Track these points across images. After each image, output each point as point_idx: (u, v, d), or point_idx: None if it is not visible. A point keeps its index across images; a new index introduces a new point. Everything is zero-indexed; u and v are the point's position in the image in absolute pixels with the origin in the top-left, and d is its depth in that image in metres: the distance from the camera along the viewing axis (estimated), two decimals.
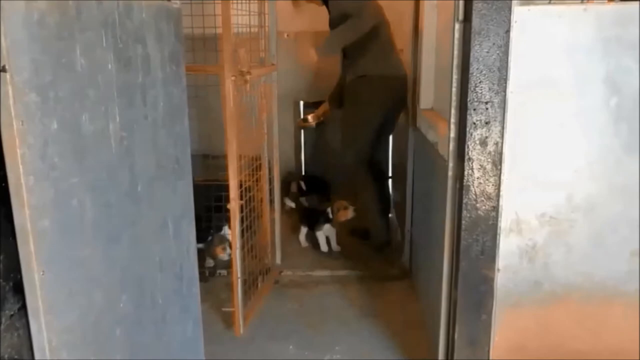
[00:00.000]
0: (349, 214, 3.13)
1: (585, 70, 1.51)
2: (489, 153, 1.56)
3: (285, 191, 3.67)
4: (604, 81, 1.50)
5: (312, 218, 3.29)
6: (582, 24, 1.48)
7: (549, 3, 1.50)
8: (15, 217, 0.91)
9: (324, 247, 3.23)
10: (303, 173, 4.06)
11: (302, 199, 3.69)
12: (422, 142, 2.46)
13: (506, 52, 1.49)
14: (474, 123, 1.54)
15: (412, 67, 2.75)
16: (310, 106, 3.68)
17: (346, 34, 2.76)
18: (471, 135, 1.55)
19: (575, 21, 1.48)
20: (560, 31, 1.49)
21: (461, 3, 1.53)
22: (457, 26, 1.56)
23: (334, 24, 2.85)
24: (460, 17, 1.55)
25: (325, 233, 3.22)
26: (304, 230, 3.36)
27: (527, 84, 1.52)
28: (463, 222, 1.60)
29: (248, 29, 2.53)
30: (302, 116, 3.84)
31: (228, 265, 2.65)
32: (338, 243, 3.25)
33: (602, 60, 1.49)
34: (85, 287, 1.08)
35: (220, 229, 2.86)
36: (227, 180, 2.23)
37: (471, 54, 1.50)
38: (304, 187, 3.80)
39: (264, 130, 2.74)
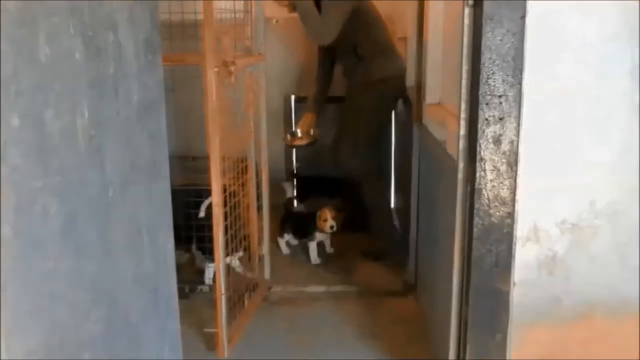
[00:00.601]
0: (327, 225, 3.15)
1: (608, 63, 1.52)
2: (504, 153, 1.57)
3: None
4: (629, 74, 1.52)
5: (302, 225, 3.29)
6: (604, 12, 1.49)
7: None
8: None
9: (315, 260, 3.23)
10: (295, 174, 4.05)
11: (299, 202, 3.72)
12: (429, 140, 2.47)
13: (521, 40, 1.50)
14: (487, 119, 1.55)
15: (416, 57, 2.77)
16: (302, 101, 3.68)
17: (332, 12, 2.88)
18: (483, 132, 1.56)
19: (597, 9, 1.49)
20: (579, 19, 1.50)
21: None
22: (466, 11, 1.57)
23: None
24: (470, 0, 1.56)
25: (317, 239, 3.24)
26: (286, 237, 3.36)
27: (545, 77, 1.54)
28: (475, 229, 1.61)
29: (232, 15, 2.53)
30: (293, 117, 3.85)
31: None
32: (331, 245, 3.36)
33: (627, 52, 1.51)
34: (50, 304, 1.07)
35: (202, 239, 2.85)
36: (209, 184, 2.23)
37: (482, 42, 1.51)
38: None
39: (251, 128, 2.74)
